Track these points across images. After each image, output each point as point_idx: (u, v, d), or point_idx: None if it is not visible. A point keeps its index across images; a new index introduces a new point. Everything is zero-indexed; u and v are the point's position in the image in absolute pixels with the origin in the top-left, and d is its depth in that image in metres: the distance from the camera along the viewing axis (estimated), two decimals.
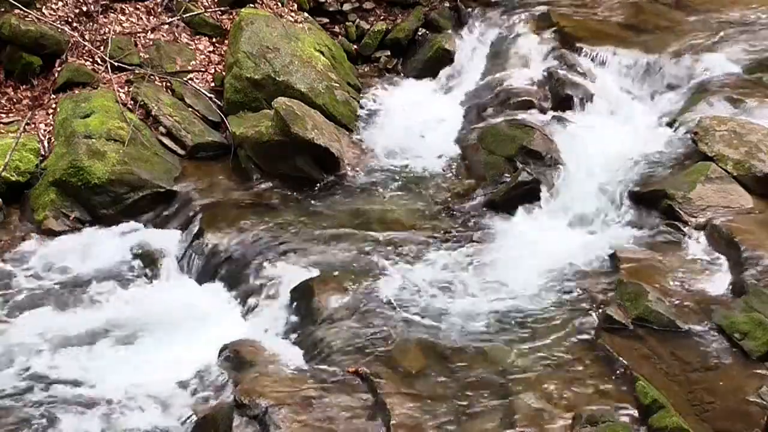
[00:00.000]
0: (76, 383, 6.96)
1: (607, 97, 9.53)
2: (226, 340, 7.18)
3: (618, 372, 6.55)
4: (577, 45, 10.09)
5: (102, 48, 9.90)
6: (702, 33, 10.12)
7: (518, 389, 6.45)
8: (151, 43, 10.28)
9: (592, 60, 9.91)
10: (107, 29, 10.13)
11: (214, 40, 10.59)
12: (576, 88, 9.58)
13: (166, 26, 10.48)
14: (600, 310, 7.15)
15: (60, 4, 10.14)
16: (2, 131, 9.26)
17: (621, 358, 6.64)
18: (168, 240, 8.55)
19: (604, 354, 6.73)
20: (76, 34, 9.90)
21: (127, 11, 10.48)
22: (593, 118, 9.32)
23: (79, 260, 8.30)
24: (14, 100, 9.69)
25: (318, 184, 9.12)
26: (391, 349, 6.95)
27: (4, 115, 9.53)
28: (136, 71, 9.84)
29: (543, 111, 9.50)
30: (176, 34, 10.48)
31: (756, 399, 6.28)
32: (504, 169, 8.93)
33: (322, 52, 10.32)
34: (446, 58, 10.86)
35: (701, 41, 9.92)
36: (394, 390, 6.48)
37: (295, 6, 11.02)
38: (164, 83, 9.90)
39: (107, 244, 8.49)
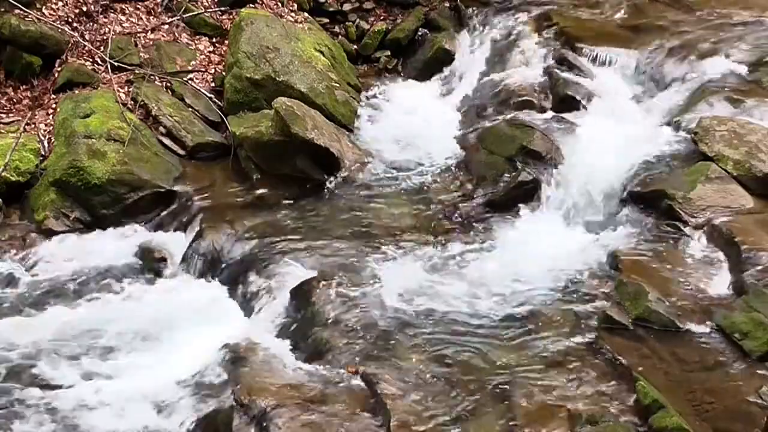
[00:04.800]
0: (75, 383, 6.96)
1: (607, 96, 9.53)
2: (226, 340, 7.18)
3: (618, 372, 6.55)
4: (578, 45, 10.09)
5: (102, 48, 9.90)
6: (702, 33, 10.11)
7: (518, 389, 6.46)
8: (151, 43, 10.28)
9: (592, 60, 9.91)
10: (107, 29, 10.12)
11: (214, 40, 10.59)
12: (576, 88, 9.58)
13: (166, 26, 10.48)
14: (600, 310, 7.15)
15: (60, 4, 10.14)
16: (2, 131, 9.26)
17: (621, 358, 6.64)
18: (168, 240, 8.54)
19: (604, 354, 6.74)
20: (76, 34, 9.89)
21: (127, 11, 10.48)
22: (593, 117, 9.32)
23: (78, 260, 8.29)
24: (14, 100, 9.69)
25: (318, 185, 9.10)
26: (391, 349, 6.95)
27: (4, 115, 9.53)
28: (136, 71, 9.83)
29: (543, 111, 9.50)
30: (176, 34, 10.48)
31: (756, 399, 6.29)
32: (504, 169, 8.92)
33: (322, 52, 10.31)
34: (446, 58, 10.87)
35: (701, 41, 9.92)
36: (394, 390, 6.48)
37: (295, 6, 11.02)
38: (164, 83, 9.90)
39: (107, 245, 8.48)
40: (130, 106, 9.42)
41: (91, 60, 9.92)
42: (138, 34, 10.30)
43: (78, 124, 9.02)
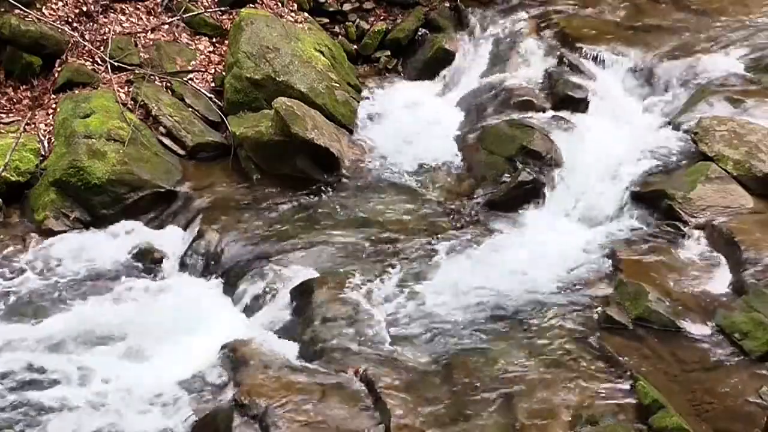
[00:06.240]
0: (75, 383, 6.95)
1: (607, 96, 9.54)
2: (226, 340, 7.18)
3: (618, 372, 6.55)
4: (577, 45, 10.10)
5: (102, 48, 9.90)
6: (702, 33, 10.13)
7: (518, 389, 6.45)
8: (151, 43, 10.28)
9: (592, 60, 9.92)
10: (107, 29, 10.12)
11: (214, 40, 10.59)
12: (576, 88, 9.58)
13: (166, 26, 10.48)
14: (600, 310, 7.16)
15: (60, 4, 10.14)
16: (2, 131, 9.25)
17: (621, 358, 6.64)
18: (168, 240, 8.54)
19: (604, 354, 6.74)
20: (76, 34, 9.89)
21: (127, 11, 10.48)
22: (593, 118, 9.33)
23: (78, 260, 8.29)
24: (14, 100, 9.69)
25: (318, 185, 9.11)
26: (392, 349, 6.96)
27: (4, 115, 9.53)
28: (136, 71, 9.83)
29: (543, 111, 9.50)
30: (176, 34, 10.48)
31: (756, 399, 6.29)
32: (504, 169, 8.93)
33: (322, 52, 10.32)
34: (446, 58, 10.86)
35: (701, 41, 9.93)
36: (394, 390, 6.48)
37: (295, 6, 11.02)
38: (164, 83, 9.89)
39: (107, 245, 8.48)
40: (130, 106, 9.42)
41: (91, 60, 9.92)
42: (138, 34, 10.30)
43: (78, 124, 9.02)
